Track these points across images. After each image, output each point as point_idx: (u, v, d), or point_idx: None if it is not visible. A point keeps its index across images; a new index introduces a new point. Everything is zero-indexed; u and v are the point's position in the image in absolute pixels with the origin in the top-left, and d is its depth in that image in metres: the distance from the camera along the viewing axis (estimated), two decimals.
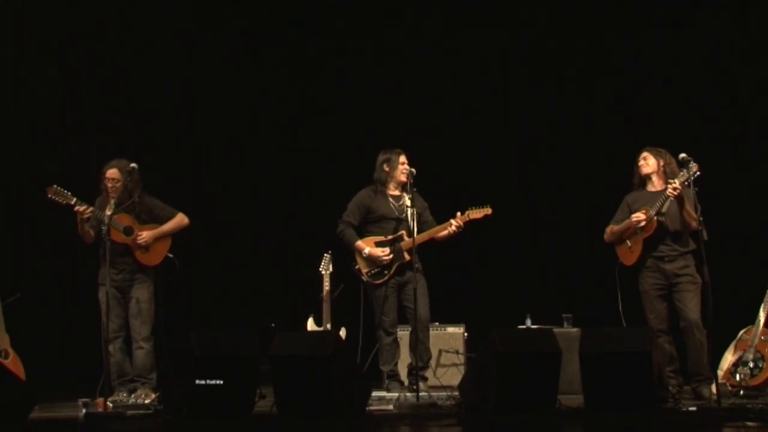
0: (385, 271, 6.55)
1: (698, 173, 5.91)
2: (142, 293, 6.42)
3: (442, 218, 6.63)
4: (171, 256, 6.51)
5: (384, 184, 6.67)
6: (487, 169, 8.33)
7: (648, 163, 6.30)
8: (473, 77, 8.50)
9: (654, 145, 6.37)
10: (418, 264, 6.48)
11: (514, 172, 8.38)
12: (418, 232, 6.50)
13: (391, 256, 6.52)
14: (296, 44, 8.63)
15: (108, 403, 5.70)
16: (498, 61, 8.49)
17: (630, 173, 6.41)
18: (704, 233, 5.76)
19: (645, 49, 8.22)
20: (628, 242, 6.29)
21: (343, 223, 6.65)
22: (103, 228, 6.15)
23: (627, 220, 6.26)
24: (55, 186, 6.26)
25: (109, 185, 6.40)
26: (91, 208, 6.25)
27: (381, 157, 6.69)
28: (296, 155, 8.53)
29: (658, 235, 6.18)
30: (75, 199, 6.25)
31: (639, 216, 6.17)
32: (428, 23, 8.56)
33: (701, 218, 5.77)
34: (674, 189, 5.98)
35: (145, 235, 6.42)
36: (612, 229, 6.36)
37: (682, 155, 5.96)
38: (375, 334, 6.64)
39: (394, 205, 6.64)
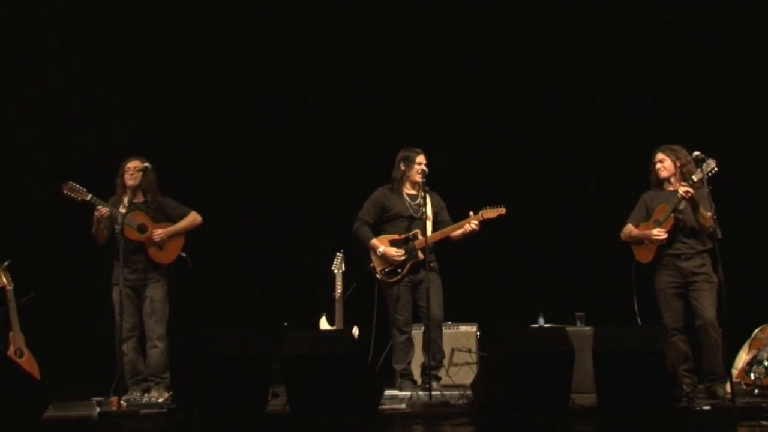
0: (399, 270, 6.56)
1: (716, 169, 5.85)
2: (156, 292, 6.44)
3: (457, 218, 6.62)
4: (184, 255, 6.53)
5: (400, 183, 6.67)
6: (501, 168, 8.32)
7: (665, 166, 6.23)
8: (488, 77, 8.47)
9: (668, 142, 6.31)
10: (434, 263, 6.48)
11: (528, 170, 8.37)
12: (434, 231, 6.49)
13: (404, 256, 6.52)
14: (313, 39, 8.61)
15: (122, 402, 5.71)
16: (511, 61, 8.47)
17: (644, 170, 6.36)
18: (718, 232, 5.75)
19: (655, 44, 8.17)
20: (645, 240, 6.24)
21: (358, 221, 6.66)
22: (116, 227, 6.18)
23: (647, 231, 6.20)
24: (70, 182, 6.29)
25: (129, 173, 6.41)
26: (107, 209, 6.27)
27: (400, 155, 6.68)
28: (310, 153, 8.54)
29: (674, 234, 6.14)
30: (90, 195, 6.28)
31: (661, 234, 6.12)
32: (446, 23, 8.53)
33: (715, 216, 5.75)
34: (685, 192, 5.94)
35: (160, 231, 6.44)
36: (631, 233, 6.30)
37: (696, 153, 5.91)
38: (389, 332, 6.64)
39: (409, 203, 6.64)
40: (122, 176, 6.44)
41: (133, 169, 6.40)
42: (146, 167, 6.30)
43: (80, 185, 6.29)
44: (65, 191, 6.28)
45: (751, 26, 7.88)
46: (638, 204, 6.38)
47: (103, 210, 6.26)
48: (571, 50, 8.40)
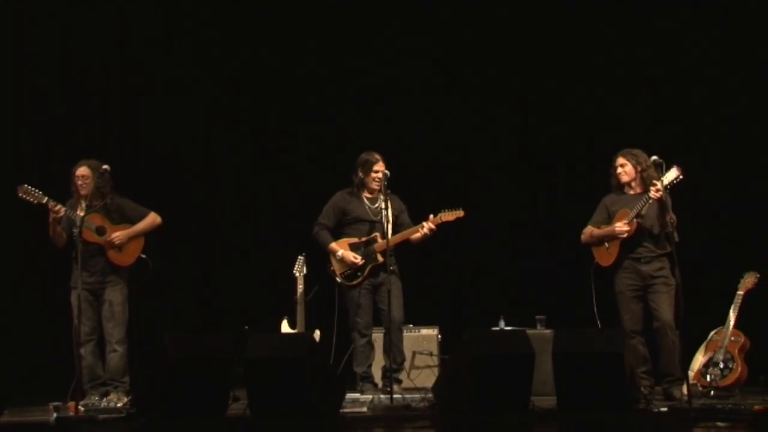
0: (359, 273, 6.57)
1: (681, 177, 5.94)
2: (115, 295, 6.37)
3: (416, 220, 6.64)
4: (144, 256, 6.46)
5: (359, 187, 6.67)
6: (461, 171, 8.33)
7: (626, 170, 6.29)
8: (449, 79, 8.46)
9: (627, 145, 6.36)
10: (394, 266, 6.50)
11: (489, 173, 8.38)
12: (394, 234, 6.51)
13: (363, 260, 6.52)
14: (274, 46, 8.56)
15: (80, 406, 5.64)
16: (472, 63, 8.48)
17: (605, 173, 6.43)
18: (675, 235, 5.84)
19: (616, 51, 8.25)
20: (606, 243, 6.30)
21: (318, 225, 6.66)
22: (74, 230, 6.09)
23: (609, 228, 6.26)
24: (25, 185, 6.20)
25: (79, 182, 6.35)
26: (63, 207, 6.19)
27: (359, 159, 6.67)
28: (271, 155, 8.46)
29: (636, 237, 6.21)
30: (46, 198, 6.19)
31: (622, 227, 6.18)
32: (407, 25, 8.51)
33: (673, 220, 5.86)
34: (657, 191, 5.97)
35: (118, 234, 6.36)
36: (592, 232, 6.36)
37: (654, 157, 5.97)
38: (349, 335, 6.64)
39: (369, 207, 6.65)
40: (73, 182, 6.37)
41: (82, 178, 6.34)
42: (105, 169, 6.20)
43: (35, 188, 6.19)
44: (20, 194, 6.19)
45: (707, 31, 8.01)
46: (599, 207, 6.44)
47: (59, 210, 6.16)
48: (531, 54, 8.42)
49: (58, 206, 6.19)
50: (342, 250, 6.57)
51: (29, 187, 6.20)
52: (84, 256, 6.08)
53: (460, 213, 6.56)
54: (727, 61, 7.95)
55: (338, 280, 6.62)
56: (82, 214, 6.15)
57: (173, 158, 8.17)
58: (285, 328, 7.06)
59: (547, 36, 8.39)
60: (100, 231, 6.34)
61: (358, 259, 6.52)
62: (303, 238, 6.85)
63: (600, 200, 6.46)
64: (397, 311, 6.48)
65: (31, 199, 6.19)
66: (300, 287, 6.97)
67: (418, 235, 6.57)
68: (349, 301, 6.62)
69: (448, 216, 6.55)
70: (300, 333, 6.84)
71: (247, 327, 6.69)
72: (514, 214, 8.32)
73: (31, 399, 6.32)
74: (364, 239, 6.60)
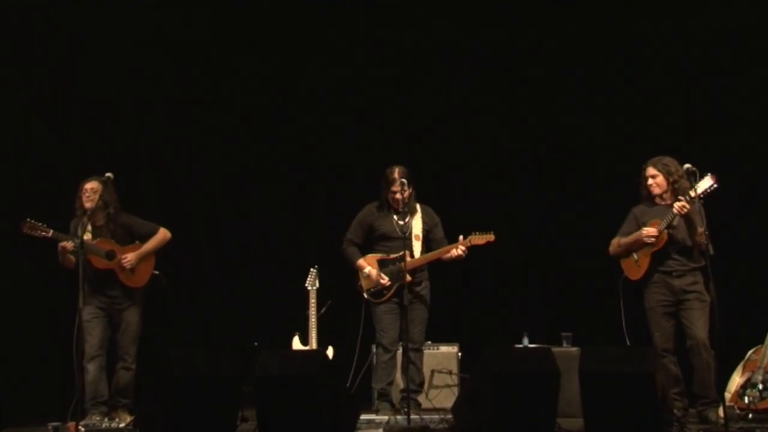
0: (385, 291, 6.53)
1: (715, 186, 5.81)
2: (131, 315, 6.32)
3: (448, 237, 6.60)
4: (157, 272, 6.43)
5: (385, 202, 6.61)
6: (485, 185, 8.24)
7: (657, 182, 6.14)
8: (474, 99, 8.36)
9: (654, 154, 6.19)
10: (426, 282, 6.50)
11: (513, 186, 8.31)
12: (427, 250, 6.53)
13: (389, 281, 6.48)
14: (295, 57, 8.49)
15: (80, 427, 5.59)
16: (496, 81, 8.36)
17: (632, 184, 6.28)
18: (710, 248, 5.69)
19: (640, 62, 8.12)
20: (635, 255, 6.16)
21: (346, 241, 6.66)
22: (81, 244, 5.96)
23: (637, 233, 6.11)
24: (29, 220, 6.17)
25: (87, 195, 6.28)
26: (71, 243, 6.13)
27: (383, 175, 6.58)
28: (283, 167, 8.41)
29: (667, 249, 6.05)
30: (51, 231, 6.16)
31: (650, 231, 6.02)
32: (440, 36, 8.42)
33: (707, 232, 5.70)
34: (682, 207, 5.84)
35: (129, 257, 6.30)
36: (619, 241, 6.23)
37: (687, 166, 5.83)
38: (369, 352, 6.66)
39: (397, 223, 6.57)
40: (80, 198, 6.31)
41: (91, 191, 6.29)
42: (108, 177, 6.12)
43: (38, 221, 6.15)
44: (25, 230, 6.15)
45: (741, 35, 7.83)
46: (628, 217, 6.30)
47: (68, 246, 6.13)
48: (558, 70, 8.29)
49: (65, 243, 6.12)
50: (369, 267, 6.54)
51: (33, 221, 6.16)
52: (97, 283, 6.12)
53: (491, 237, 6.52)
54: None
55: (365, 296, 6.59)
56: (87, 237, 6.09)
57: (184, 170, 8.11)
58: (297, 344, 6.99)
59: (576, 47, 8.27)
60: (110, 255, 6.28)
61: (385, 280, 6.50)
62: (316, 250, 6.84)
63: (628, 211, 6.31)
64: (418, 334, 6.50)
65: (37, 234, 6.15)
66: (312, 301, 6.91)
67: (446, 256, 6.53)
68: (375, 317, 6.58)
69: (478, 239, 6.52)
70: (312, 350, 6.79)
71: (256, 343, 6.65)
72: (539, 226, 8.21)
73: (30, 419, 6.29)
74: (393, 256, 6.54)
